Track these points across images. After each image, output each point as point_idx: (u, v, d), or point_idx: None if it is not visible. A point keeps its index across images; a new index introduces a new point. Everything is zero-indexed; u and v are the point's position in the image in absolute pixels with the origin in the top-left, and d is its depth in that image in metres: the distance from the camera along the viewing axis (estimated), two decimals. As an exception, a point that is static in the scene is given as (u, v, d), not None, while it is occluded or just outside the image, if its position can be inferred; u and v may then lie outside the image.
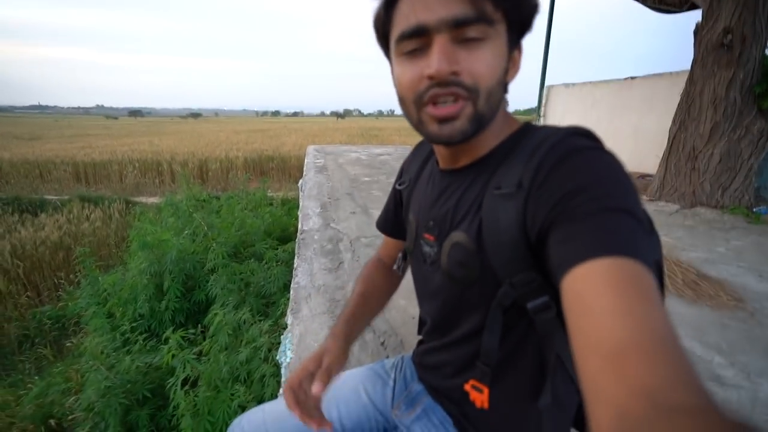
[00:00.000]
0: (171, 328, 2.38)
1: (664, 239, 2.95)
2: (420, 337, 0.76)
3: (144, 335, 3.07)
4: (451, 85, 0.46)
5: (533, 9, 0.50)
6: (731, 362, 1.50)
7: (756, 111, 3.52)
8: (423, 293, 0.68)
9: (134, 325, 3.14)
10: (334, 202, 3.84)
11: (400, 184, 0.74)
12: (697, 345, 1.60)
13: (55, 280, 6.63)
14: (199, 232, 4.10)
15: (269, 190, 9.10)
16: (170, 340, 2.27)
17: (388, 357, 1.41)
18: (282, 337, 1.62)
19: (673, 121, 3.90)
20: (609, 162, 0.44)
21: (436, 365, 0.68)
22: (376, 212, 3.45)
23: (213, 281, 3.04)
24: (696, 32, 3.69)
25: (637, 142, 5.29)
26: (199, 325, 3.28)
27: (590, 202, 0.41)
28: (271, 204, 7.26)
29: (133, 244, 4.12)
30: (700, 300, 1.98)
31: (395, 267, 0.81)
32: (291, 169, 14.96)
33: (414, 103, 0.50)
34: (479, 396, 0.58)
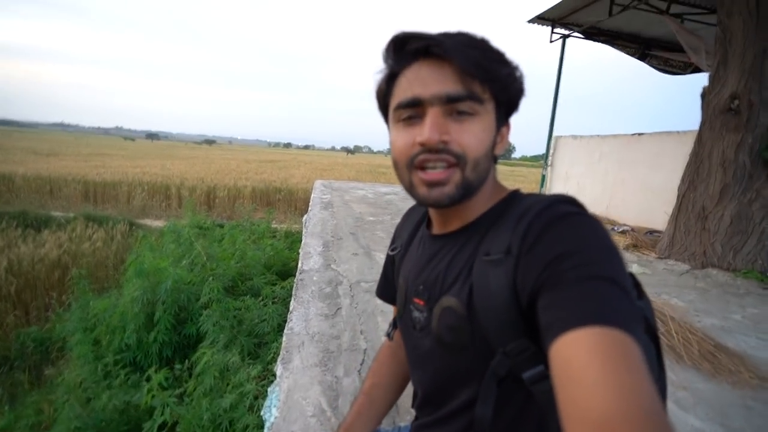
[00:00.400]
0: (154, 367, 2.26)
1: (676, 301, 2.84)
2: (414, 412, 0.72)
3: (127, 369, 2.92)
4: (440, 152, 0.50)
5: (519, 92, 0.56)
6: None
7: (766, 175, 3.51)
8: (414, 361, 0.67)
9: (118, 357, 3.01)
10: (337, 242, 3.79)
11: (392, 250, 0.75)
12: (720, 430, 1.46)
13: (47, 300, 6.50)
14: (198, 262, 4.03)
15: (274, 222, 9.10)
16: (152, 380, 2.14)
17: (381, 424, 1.30)
18: (269, 389, 1.51)
19: (682, 180, 3.89)
20: (593, 228, 0.46)
21: None
22: (379, 255, 3.40)
23: (206, 316, 2.93)
24: (703, 96, 3.75)
25: (646, 197, 5.27)
26: (187, 361, 3.14)
27: (575, 270, 0.42)
28: (274, 236, 7.23)
29: (129, 269, 4.05)
30: (719, 375, 1.84)
31: (386, 334, 0.80)
32: (297, 202, 15.06)
33: (406, 167, 0.53)
34: None
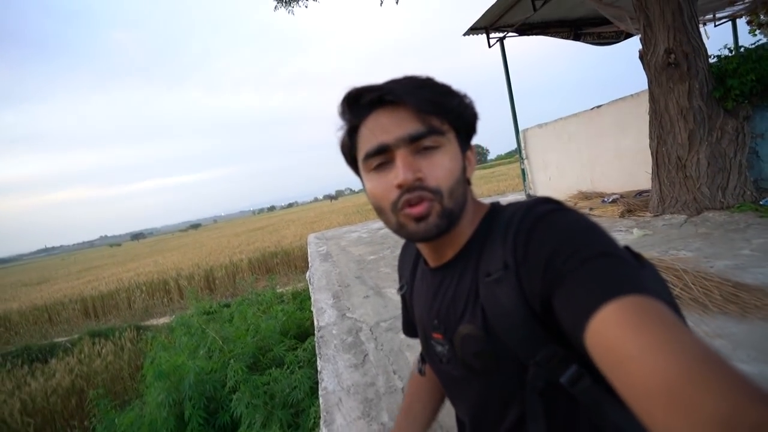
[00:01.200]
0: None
1: (684, 253, 2.87)
2: None
3: (170, 478, 2.80)
4: (417, 190, 0.52)
5: (473, 117, 0.58)
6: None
7: (723, 113, 3.67)
8: (452, 392, 0.66)
9: (158, 469, 2.88)
10: (345, 289, 3.78)
11: (400, 289, 0.76)
12: (767, 368, 1.46)
13: (69, 431, 6.23)
14: (215, 348, 3.96)
15: (278, 286, 9.02)
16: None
17: (439, 459, 1.27)
18: (320, 457, 1.47)
19: (650, 137, 4.03)
20: (572, 218, 0.48)
21: None
22: (389, 291, 3.40)
23: (236, 400, 2.86)
24: (641, 57, 3.98)
25: (622, 162, 5.41)
26: (228, 453, 3.03)
27: (569, 261, 0.42)
28: (282, 300, 7.15)
29: (148, 375, 3.95)
30: (747, 314, 1.86)
31: (418, 370, 0.80)
32: (295, 261, 14.99)
33: (391, 211, 0.55)
34: None
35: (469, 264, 0.57)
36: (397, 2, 6.35)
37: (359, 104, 0.55)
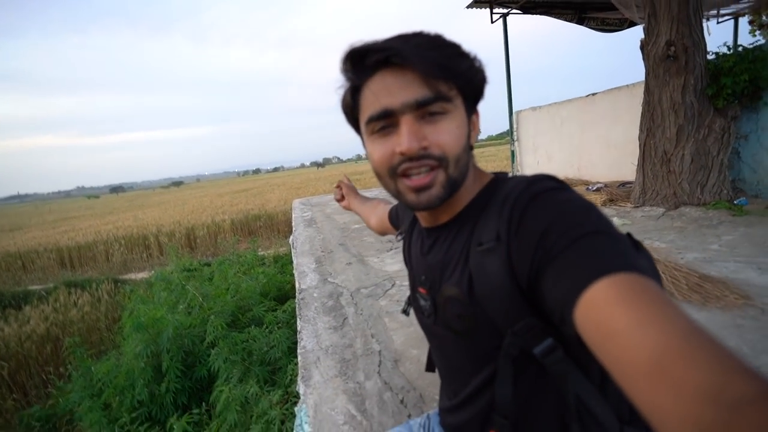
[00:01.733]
0: (175, 416, 2.23)
1: (658, 244, 2.99)
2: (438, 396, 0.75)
3: (145, 425, 2.87)
4: (422, 158, 0.51)
5: (482, 81, 0.56)
6: (758, 365, 1.48)
7: (713, 111, 3.73)
8: (431, 344, 0.70)
9: (134, 415, 2.95)
10: (328, 255, 3.81)
11: (399, 234, 0.78)
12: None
13: (44, 377, 6.25)
14: (194, 305, 3.98)
15: (259, 249, 9.01)
16: (175, 429, 2.13)
17: (410, 416, 1.35)
18: (296, 408, 1.54)
19: (641, 129, 4.08)
20: (569, 197, 0.47)
21: (458, 426, 0.66)
22: (372, 260, 3.45)
23: (214, 355, 2.91)
24: (642, 47, 3.96)
25: (610, 152, 5.49)
26: (204, 404, 3.11)
27: (563, 238, 0.43)
28: (264, 263, 7.17)
29: (126, 326, 3.97)
30: (708, 303, 1.97)
31: (403, 311, 0.81)
32: (279, 225, 14.92)
33: (389, 176, 0.54)
34: None
35: (463, 229, 0.57)
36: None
37: (363, 63, 0.52)
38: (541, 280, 0.44)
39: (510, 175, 0.59)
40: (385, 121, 0.52)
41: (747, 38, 7.88)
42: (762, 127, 3.85)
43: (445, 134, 0.51)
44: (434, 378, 1.57)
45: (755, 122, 3.88)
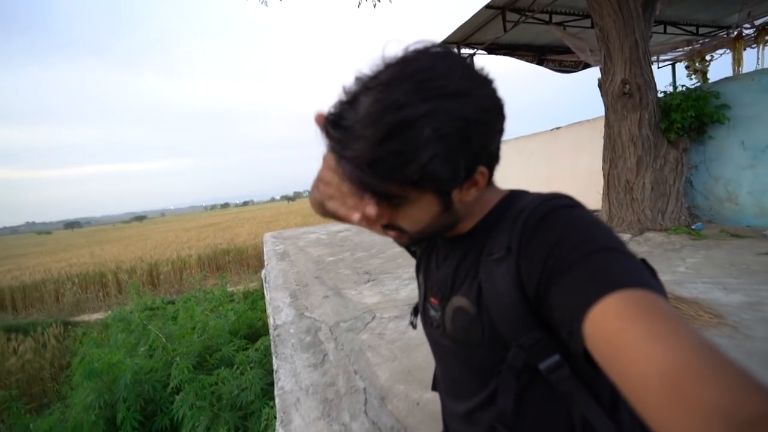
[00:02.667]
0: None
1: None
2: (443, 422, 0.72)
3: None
4: (384, 226, 0.53)
5: (451, 181, 0.46)
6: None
7: (666, 143, 4.03)
8: (436, 356, 0.69)
9: (81, 478, 2.60)
10: (303, 289, 3.67)
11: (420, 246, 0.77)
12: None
13: (-27, 438, 5.48)
14: (157, 346, 3.67)
15: (228, 285, 8.61)
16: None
17: (404, 458, 1.24)
18: (275, 459, 1.39)
19: (603, 160, 4.33)
20: (583, 215, 0.48)
21: None
22: (350, 292, 3.34)
23: (179, 401, 2.65)
24: (600, 85, 4.28)
25: (576, 182, 5.77)
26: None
27: (575, 250, 0.42)
28: (233, 299, 6.83)
29: (75, 374, 3.58)
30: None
31: (410, 323, 0.78)
32: (249, 260, 14.43)
33: None
34: None
35: (477, 242, 0.57)
36: (375, 6, 6.38)
37: None
38: (549, 292, 0.44)
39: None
40: None
41: (685, 81, 8.75)
42: (709, 158, 4.18)
43: (402, 218, 0.50)
44: (426, 416, 1.48)
45: (703, 153, 4.22)
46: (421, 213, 0.49)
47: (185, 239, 22.05)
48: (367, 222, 0.49)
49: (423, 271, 0.69)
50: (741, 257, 3.03)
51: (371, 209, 0.47)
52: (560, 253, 0.43)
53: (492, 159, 0.51)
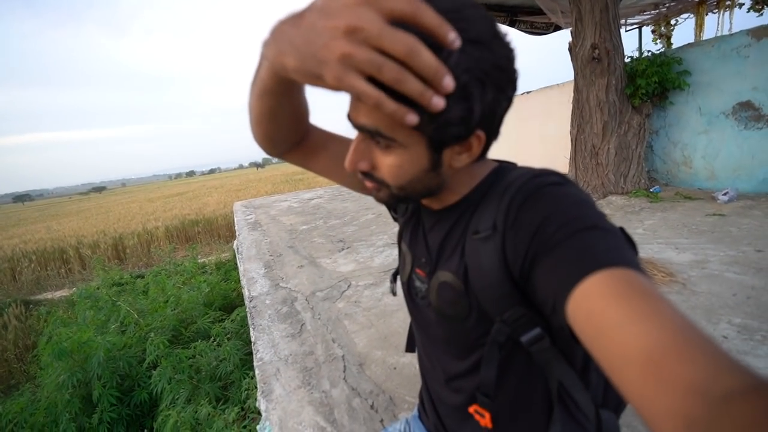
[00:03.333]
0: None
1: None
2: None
3: (76, 464, 2.54)
4: (365, 175, 0.51)
5: (461, 127, 0.45)
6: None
7: (631, 108, 4.14)
8: (418, 327, 0.70)
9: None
10: (278, 259, 3.65)
11: (395, 211, 0.75)
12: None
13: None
14: (129, 322, 3.60)
15: (200, 257, 8.44)
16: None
17: (382, 421, 1.31)
18: (258, 427, 1.43)
19: (572, 125, 4.41)
20: (570, 193, 0.47)
21: (440, 409, 0.69)
22: (325, 261, 3.36)
23: (156, 375, 2.64)
24: (570, 49, 4.28)
25: (545, 147, 5.89)
26: (146, 431, 2.82)
27: (559, 231, 0.43)
28: (205, 271, 6.72)
29: (43, 354, 3.47)
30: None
31: (391, 291, 0.79)
32: (219, 230, 14.09)
33: None
34: (482, 419, 0.59)
35: (463, 217, 0.56)
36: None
37: None
38: (534, 270, 0.44)
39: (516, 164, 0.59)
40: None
41: (650, 45, 8.88)
42: (669, 123, 4.35)
43: (386, 166, 0.48)
44: (403, 379, 1.55)
45: (663, 119, 4.38)
46: (407, 164, 0.47)
47: (150, 210, 21.17)
48: (352, 160, 0.49)
49: (408, 240, 0.67)
50: (692, 218, 3.25)
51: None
52: (546, 232, 0.43)
53: (492, 128, 0.48)
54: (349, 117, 0.48)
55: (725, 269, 2.25)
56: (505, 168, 0.57)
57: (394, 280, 0.77)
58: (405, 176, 0.48)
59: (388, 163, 0.47)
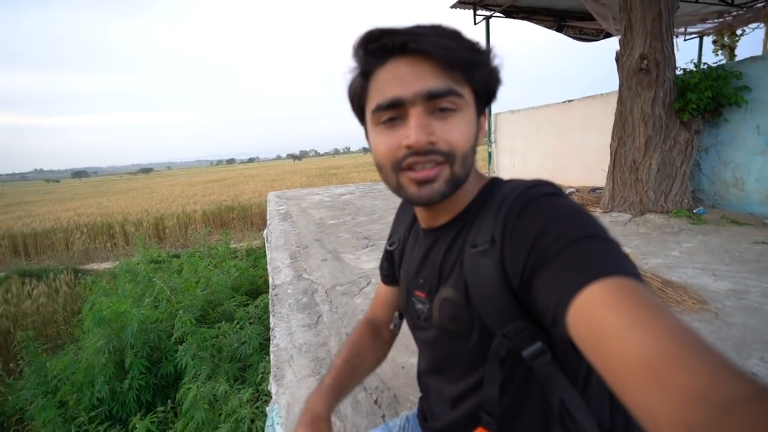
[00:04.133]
0: (138, 415, 2.14)
1: (624, 249, 3.11)
2: (420, 395, 0.76)
3: (105, 425, 2.74)
4: (429, 153, 0.50)
5: (497, 82, 0.55)
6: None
7: (679, 124, 3.92)
8: (422, 348, 0.70)
9: (93, 414, 2.81)
10: (303, 251, 3.76)
11: (390, 245, 0.76)
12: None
13: (-8, 372, 5.86)
14: (162, 298, 3.83)
15: (232, 242, 8.79)
16: (138, 428, 2.04)
17: (384, 416, 1.35)
18: (267, 408, 1.51)
19: (612, 138, 4.24)
20: (565, 203, 0.48)
21: (443, 428, 0.67)
22: (348, 257, 3.42)
23: (182, 351, 2.81)
24: (617, 59, 4.10)
25: (583, 158, 5.69)
26: (169, 402, 3.00)
27: (557, 241, 0.43)
28: (236, 256, 7.00)
29: (86, 320, 3.77)
30: (668, 306, 2.07)
31: (392, 326, 0.81)
32: (253, 218, 14.60)
33: (392, 169, 0.52)
34: None
35: (461, 232, 0.58)
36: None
37: (378, 48, 0.50)
38: (533, 282, 0.45)
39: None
40: (394, 112, 0.51)
41: (710, 57, 8.33)
42: (721, 141, 4.08)
43: (455, 131, 0.50)
44: (410, 378, 1.58)
45: (715, 137, 4.11)
46: (471, 123, 0.53)
47: (191, 194, 22.24)
48: (421, 133, 0.49)
49: (404, 268, 0.69)
50: (736, 244, 3.05)
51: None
52: (544, 243, 0.44)
53: (485, 120, 0.58)
54: (396, 99, 0.50)
55: (766, 302, 2.10)
56: (498, 182, 0.59)
57: (401, 317, 0.78)
58: (470, 138, 0.53)
59: (455, 126, 0.50)
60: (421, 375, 0.74)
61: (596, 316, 0.36)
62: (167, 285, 4.04)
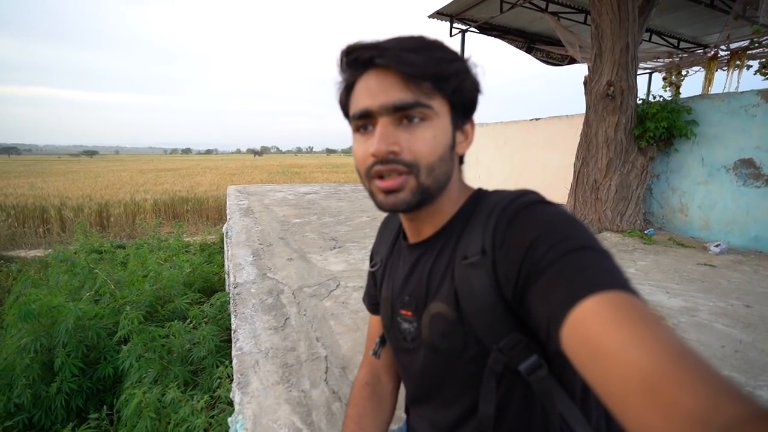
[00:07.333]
0: (70, 425, 1.89)
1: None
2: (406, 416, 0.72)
3: (24, 434, 2.41)
4: (391, 163, 0.50)
5: (473, 91, 0.54)
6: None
7: (637, 149, 4.19)
8: (409, 374, 0.64)
9: (8, 424, 2.46)
10: (267, 248, 3.58)
11: (372, 266, 0.73)
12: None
13: None
14: (104, 292, 3.48)
15: (185, 235, 8.27)
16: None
17: None
18: (230, 420, 1.36)
19: (576, 157, 4.45)
20: (556, 211, 0.47)
21: None
22: (315, 257, 3.30)
23: (126, 351, 2.54)
24: (585, 84, 4.33)
25: (545, 175, 5.94)
26: (104, 407, 2.71)
27: (550, 252, 0.42)
28: (189, 251, 6.59)
29: (9, 314, 3.33)
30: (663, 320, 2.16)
31: (372, 352, 0.74)
32: (209, 211, 13.87)
33: (365, 176, 0.54)
34: None
35: (448, 244, 0.56)
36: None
37: (353, 61, 0.52)
38: (527, 293, 0.43)
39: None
40: (365, 121, 0.52)
41: (659, 92, 9.09)
42: (671, 169, 4.42)
43: (419, 142, 0.50)
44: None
45: (666, 164, 4.44)
46: (441, 134, 0.51)
47: (141, 182, 20.79)
48: (383, 143, 0.49)
49: (387, 286, 0.65)
50: (684, 265, 3.28)
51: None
52: (537, 252, 0.42)
53: (472, 129, 0.58)
54: (364, 110, 0.50)
55: (714, 320, 2.25)
56: (483, 192, 0.58)
57: (382, 343, 0.72)
58: (438, 149, 0.51)
59: (420, 137, 0.50)
60: (409, 407, 0.69)
61: (592, 332, 0.35)
62: (111, 278, 3.68)
